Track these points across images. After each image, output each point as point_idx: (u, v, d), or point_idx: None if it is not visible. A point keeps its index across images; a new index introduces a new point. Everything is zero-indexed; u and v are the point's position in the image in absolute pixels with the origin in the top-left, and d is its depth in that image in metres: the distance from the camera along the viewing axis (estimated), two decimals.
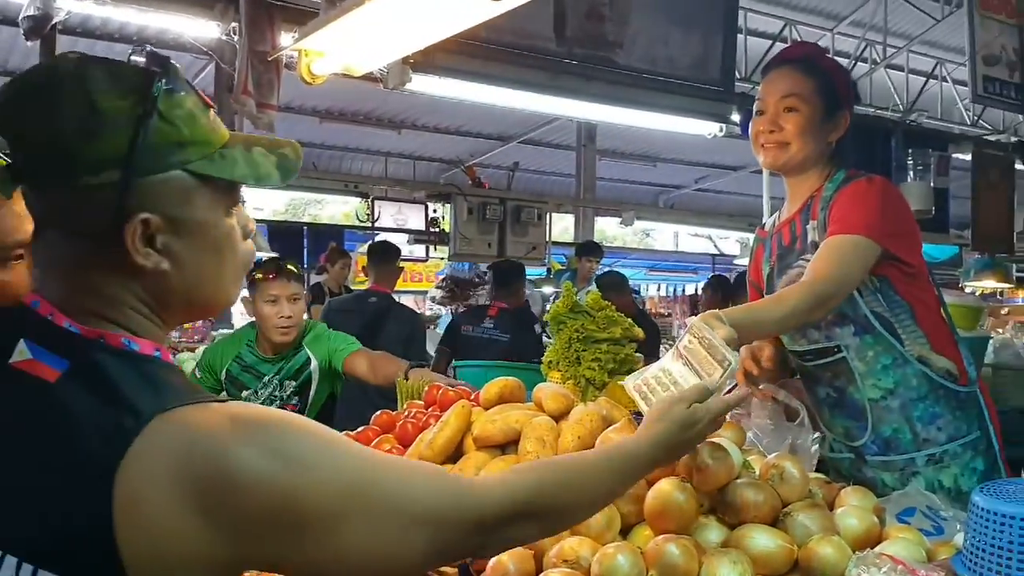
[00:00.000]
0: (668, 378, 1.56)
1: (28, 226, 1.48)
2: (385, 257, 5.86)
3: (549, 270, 9.42)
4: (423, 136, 12.95)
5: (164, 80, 0.96)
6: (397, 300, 5.69)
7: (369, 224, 9.43)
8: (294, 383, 3.38)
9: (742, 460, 1.62)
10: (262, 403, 3.27)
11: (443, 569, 1.73)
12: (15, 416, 0.93)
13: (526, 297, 6.24)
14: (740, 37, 8.66)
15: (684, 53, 4.04)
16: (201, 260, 1.03)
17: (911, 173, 5.18)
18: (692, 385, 1.48)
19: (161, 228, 0.97)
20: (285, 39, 3.37)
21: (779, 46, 9.88)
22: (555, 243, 9.72)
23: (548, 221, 8.72)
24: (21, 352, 0.94)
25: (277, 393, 3.37)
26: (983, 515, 1.33)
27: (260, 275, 3.24)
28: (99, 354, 0.95)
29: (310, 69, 2.30)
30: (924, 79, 10.30)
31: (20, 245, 1.46)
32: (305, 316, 3.42)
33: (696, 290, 16.86)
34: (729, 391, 2.45)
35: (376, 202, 9.24)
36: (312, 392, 3.39)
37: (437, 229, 8.81)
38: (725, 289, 6.93)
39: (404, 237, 9.66)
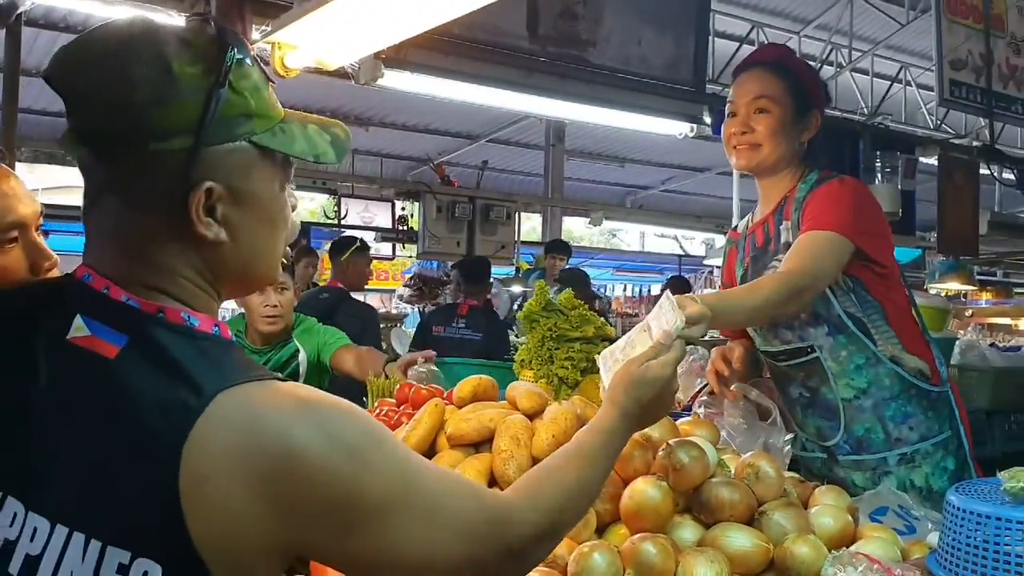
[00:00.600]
0: (631, 349, 1.53)
1: (21, 207, 1.44)
2: (340, 252, 5.81)
3: (518, 269, 9.42)
4: (391, 133, 12.88)
5: (235, 50, 0.95)
6: (352, 296, 5.56)
7: (336, 221, 9.36)
8: (281, 375, 3.32)
9: (717, 459, 1.62)
10: None
11: None
12: (77, 394, 0.91)
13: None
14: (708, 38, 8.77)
15: (657, 53, 4.05)
16: (257, 233, 1.02)
17: (879, 175, 5.25)
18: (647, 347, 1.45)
19: (223, 198, 0.97)
20: (256, 32, 3.33)
21: (747, 48, 9.99)
22: (523, 242, 9.72)
23: (517, 220, 8.71)
24: (79, 328, 0.92)
25: None
26: (958, 514, 1.33)
27: None
28: (158, 329, 0.94)
29: (283, 62, 2.27)
30: (889, 83, 10.46)
31: (13, 227, 1.43)
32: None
33: (662, 290, 16.98)
34: (699, 392, 2.48)
35: (343, 199, 9.17)
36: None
37: (406, 227, 8.76)
38: (685, 290, 7.00)
39: (371, 235, 9.61)
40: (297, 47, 2.23)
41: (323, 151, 1.05)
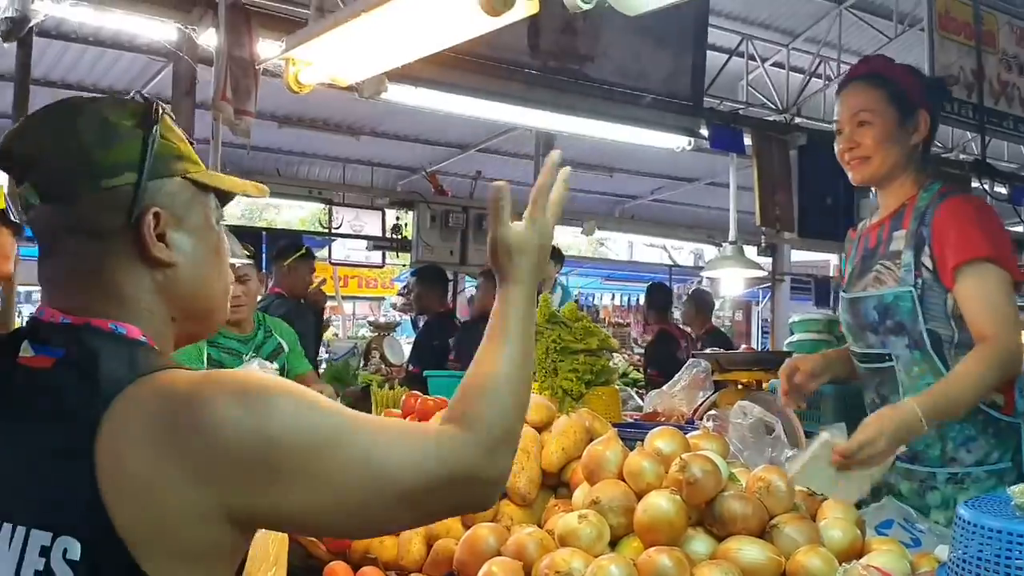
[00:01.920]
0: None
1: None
2: (282, 258, 5.90)
3: None
4: (382, 143, 12.87)
5: (160, 107, 1.13)
6: (294, 302, 5.55)
7: (327, 230, 9.35)
8: (273, 365, 3.48)
9: (728, 473, 1.64)
10: None
11: None
12: (20, 402, 1.04)
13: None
14: None
15: (655, 67, 4.10)
16: (204, 260, 1.16)
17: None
18: None
19: (171, 224, 1.11)
20: (263, 46, 3.35)
21: (736, 60, 10.09)
22: None
23: None
24: (25, 350, 1.05)
25: (262, 374, 3.40)
26: (969, 528, 1.36)
27: None
28: (88, 339, 1.04)
29: (297, 78, 2.29)
30: None
31: None
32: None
33: None
34: (702, 404, 2.51)
35: (335, 208, 9.17)
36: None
37: (399, 236, 8.77)
38: (666, 298, 7.00)
39: (363, 243, 9.61)
40: (312, 63, 2.26)
41: (246, 189, 1.23)
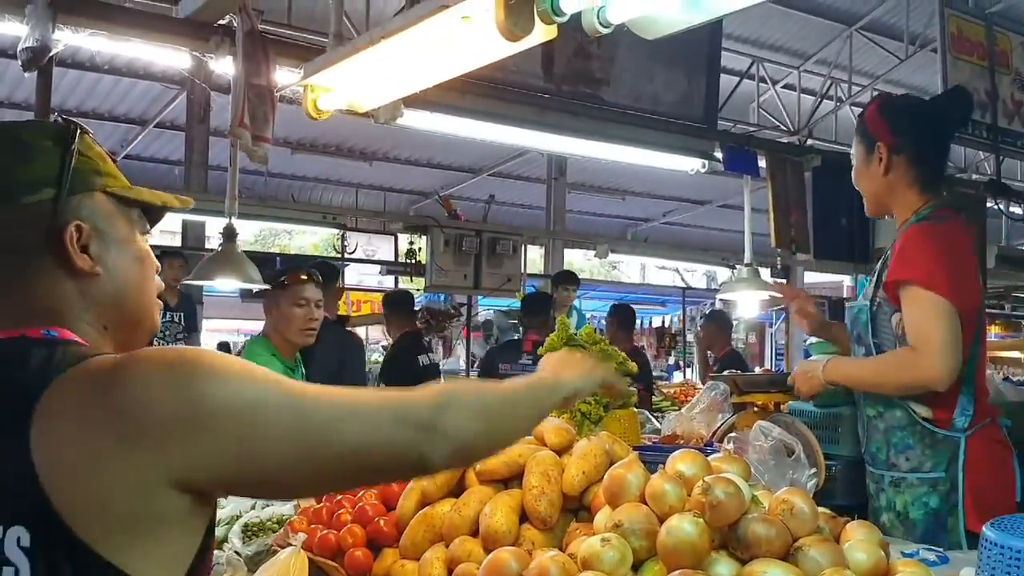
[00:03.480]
0: None
1: None
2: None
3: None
4: (394, 167, 12.97)
5: (78, 126, 1.17)
6: (336, 326, 5.56)
7: (340, 255, 9.39)
8: None
9: (751, 495, 1.63)
10: None
11: None
12: None
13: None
14: None
15: (669, 90, 4.12)
16: (127, 269, 1.20)
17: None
18: None
19: (92, 236, 1.15)
20: (280, 74, 3.39)
21: (747, 83, 10.13)
22: (529, 275, 9.77)
23: (523, 253, 8.75)
24: None
25: None
26: (995, 550, 1.35)
27: (290, 279, 3.39)
28: (21, 345, 1.07)
29: (316, 105, 2.32)
30: None
31: None
32: None
33: (664, 322, 16.97)
34: (720, 427, 2.52)
35: (347, 233, 9.22)
36: None
37: (414, 261, 8.80)
38: (629, 319, 6.95)
39: (376, 268, 9.64)
40: (331, 90, 2.28)
41: (168, 201, 1.28)
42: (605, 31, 1.50)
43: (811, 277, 13.28)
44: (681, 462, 1.71)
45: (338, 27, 2.52)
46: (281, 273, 3.52)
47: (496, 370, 5.70)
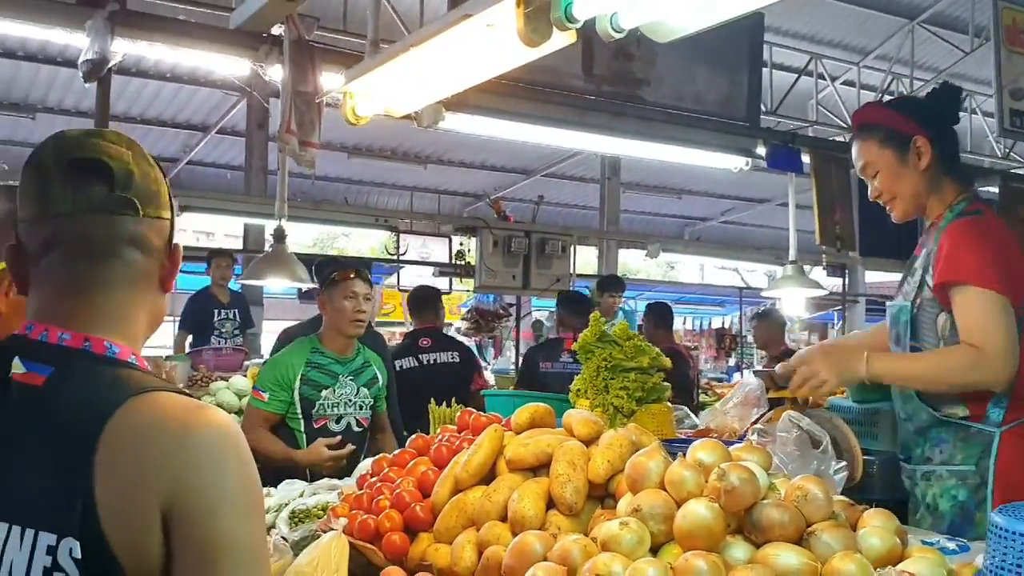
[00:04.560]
0: None
1: None
2: None
3: None
4: (448, 170, 13.13)
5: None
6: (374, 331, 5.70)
7: (395, 257, 9.56)
8: (368, 392, 3.79)
9: (768, 482, 1.67)
10: (339, 402, 3.69)
11: None
12: (18, 417, 1.14)
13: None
14: (766, 71, 8.76)
15: (711, 90, 4.14)
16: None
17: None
18: None
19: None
20: (325, 80, 3.52)
21: (805, 80, 10.01)
22: (579, 275, 9.80)
23: (572, 253, 8.79)
24: (16, 366, 1.16)
25: (354, 399, 3.74)
26: (1003, 535, 1.37)
27: (340, 275, 3.65)
28: (82, 359, 1.17)
29: (354, 111, 2.42)
30: None
31: None
32: None
33: (723, 323, 16.83)
34: (755, 421, 2.55)
35: (402, 236, 9.37)
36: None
37: (463, 262, 8.90)
38: (666, 318, 6.85)
39: (429, 269, 9.78)
40: (369, 96, 2.38)
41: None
42: (618, 36, 1.56)
43: (872, 277, 13.05)
44: (701, 450, 1.76)
45: (375, 35, 2.63)
46: (332, 270, 3.74)
47: (537, 369, 5.74)
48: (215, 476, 1.11)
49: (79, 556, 1.05)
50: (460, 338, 9.72)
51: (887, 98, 10.22)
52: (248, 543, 1.12)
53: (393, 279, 12.05)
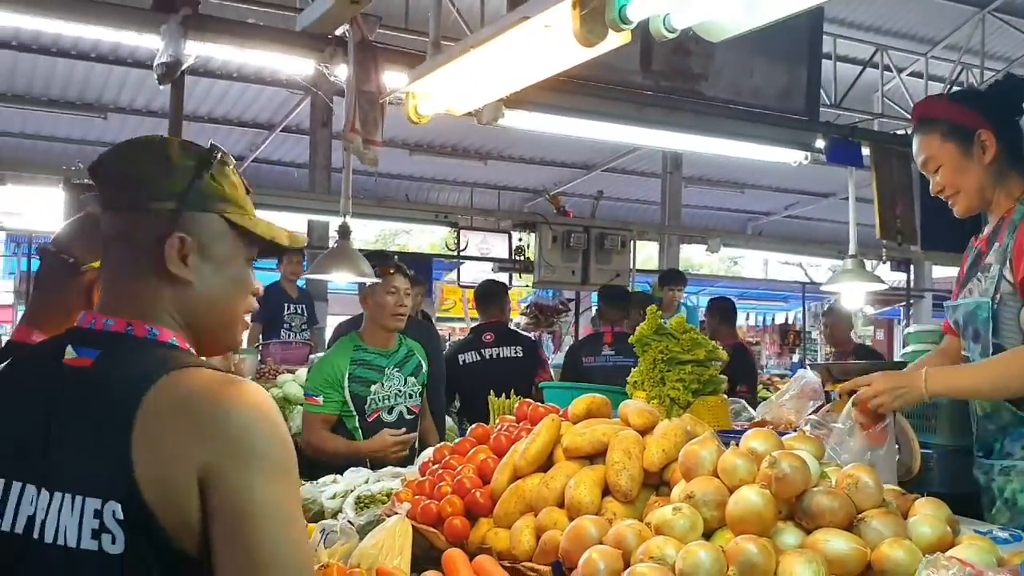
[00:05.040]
0: None
1: None
2: None
3: None
4: (508, 166, 13.21)
5: (220, 155, 1.38)
6: (419, 321, 5.71)
7: (456, 253, 9.67)
8: (415, 380, 3.90)
9: (820, 471, 1.71)
10: (389, 395, 3.82)
11: (538, 567, 1.87)
12: (72, 398, 1.27)
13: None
14: (829, 63, 8.64)
15: (769, 83, 4.13)
16: (218, 285, 1.39)
17: None
18: None
19: (193, 249, 1.34)
20: (387, 79, 3.63)
21: (871, 71, 9.83)
22: (640, 271, 9.79)
23: (632, 248, 8.79)
24: (68, 352, 1.30)
25: (403, 388, 3.86)
26: None
27: (381, 271, 3.81)
28: (126, 341, 1.30)
29: (416, 110, 2.51)
30: None
31: None
32: None
33: (787, 319, 16.60)
34: (811, 413, 2.56)
35: (462, 232, 9.47)
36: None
37: (522, 257, 8.97)
38: (729, 312, 6.77)
39: (489, 265, 9.88)
40: (430, 95, 2.46)
41: (277, 235, 1.44)
42: (671, 36, 1.61)
43: (939, 272, 12.75)
44: (754, 440, 1.80)
45: (436, 36, 2.71)
46: (373, 266, 3.89)
47: (580, 364, 5.78)
48: (249, 444, 1.19)
49: (122, 518, 1.16)
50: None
51: (955, 90, 10.03)
52: (280, 505, 1.19)
53: (453, 275, 12.20)
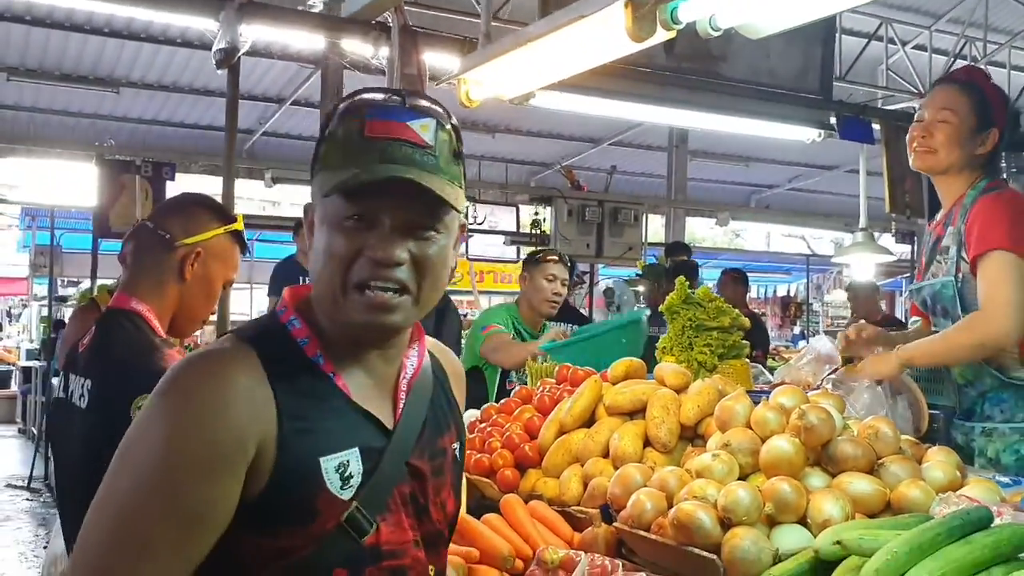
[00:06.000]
0: None
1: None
2: None
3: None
4: (516, 139, 13.32)
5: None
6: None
7: (468, 225, 9.82)
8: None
9: (843, 422, 1.91)
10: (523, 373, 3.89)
11: (587, 510, 2.08)
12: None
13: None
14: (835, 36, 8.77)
15: (785, 64, 4.29)
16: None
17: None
18: None
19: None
20: (428, 59, 3.82)
21: (875, 44, 9.93)
22: (649, 244, 9.98)
23: (644, 222, 8.97)
24: None
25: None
26: None
27: (544, 256, 3.98)
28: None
29: (468, 95, 2.69)
30: None
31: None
32: None
33: (789, 291, 16.80)
34: (827, 375, 2.76)
35: (470, 205, 9.64)
36: None
37: (539, 231, 9.15)
38: (741, 283, 6.96)
39: (500, 239, 10.05)
40: (481, 83, 2.64)
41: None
42: (716, 35, 1.79)
43: None
44: (782, 395, 2.01)
45: (487, 27, 2.88)
46: (537, 251, 4.11)
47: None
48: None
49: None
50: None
51: (960, 63, 10.13)
52: (110, 480, 1.14)
53: (462, 247, 12.35)
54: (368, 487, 1.21)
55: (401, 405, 1.30)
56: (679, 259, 7.52)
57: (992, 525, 1.46)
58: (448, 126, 1.26)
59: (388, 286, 1.20)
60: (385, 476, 1.24)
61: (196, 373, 1.16)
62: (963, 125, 2.48)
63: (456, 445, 1.41)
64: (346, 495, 1.19)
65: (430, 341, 1.43)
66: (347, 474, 1.19)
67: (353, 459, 1.20)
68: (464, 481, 2.32)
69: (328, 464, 1.18)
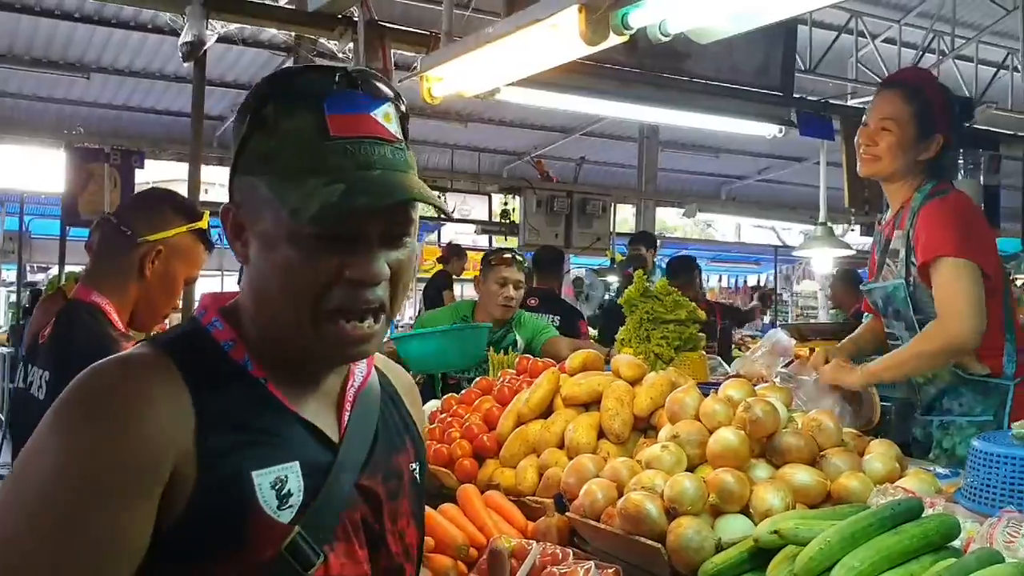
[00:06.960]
0: None
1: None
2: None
3: (612, 260, 9.76)
4: (488, 128, 13.33)
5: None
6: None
7: (437, 215, 9.84)
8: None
9: (788, 415, 1.98)
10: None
11: (542, 500, 2.13)
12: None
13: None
14: (805, 29, 8.82)
15: (747, 62, 4.36)
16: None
17: (961, 172, 5.42)
18: None
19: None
20: (398, 53, 3.84)
21: (845, 38, 10.03)
22: (618, 234, 10.04)
23: (612, 212, 9.03)
24: None
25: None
26: (980, 456, 1.67)
27: (496, 260, 3.91)
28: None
29: (430, 92, 2.73)
30: (995, 69, 10.27)
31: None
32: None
33: (759, 281, 16.97)
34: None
35: (443, 194, 9.67)
36: None
37: (508, 221, 9.20)
38: (688, 271, 6.90)
39: (471, 227, 10.09)
40: (443, 79, 2.68)
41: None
42: (666, 39, 1.84)
43: None
44: (730, 388, 2.07)
45: (449, 26, 2.92)
46: (491, 253, 4.07)
47: None
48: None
49: None
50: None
51: (928, 56, 10.26)
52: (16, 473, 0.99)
53: (434, 236, 12.40)
54: (312, 509, 1.04)
55: (347, 417, 1.14)
56: (636, 251, 7.51)
57: (923, 516, 1.52)
58: (402, 106, 1.14)
59: (370, 308, 1.04)
60: (332, 497, 1.06)
61: (102, 382, 1.00)
62: (904, 134, 2.49)
63: (415, 466, 1.23)
64: (284, 517, 1.02)
65: (377, 356, 1.26)
66: (285, 492, 1.02)
67: (292, 475, 1.03)
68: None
69: (262, 480, 1.01)
